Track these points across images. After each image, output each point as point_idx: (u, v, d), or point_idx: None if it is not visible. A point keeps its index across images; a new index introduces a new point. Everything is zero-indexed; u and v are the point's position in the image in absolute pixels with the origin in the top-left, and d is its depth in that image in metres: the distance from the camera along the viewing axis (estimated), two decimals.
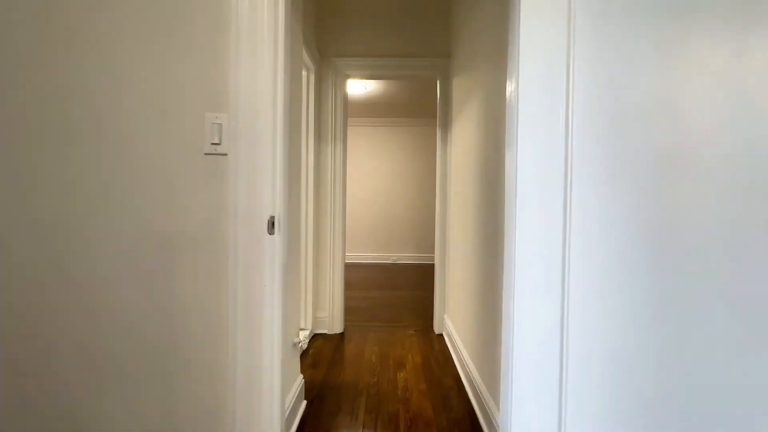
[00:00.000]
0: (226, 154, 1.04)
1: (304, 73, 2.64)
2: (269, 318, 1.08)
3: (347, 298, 3.62)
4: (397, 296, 3.87)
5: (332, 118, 2.74)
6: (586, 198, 0.85)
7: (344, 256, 2.83)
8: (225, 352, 1.07)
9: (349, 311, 3.23)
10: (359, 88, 4.58)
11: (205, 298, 1.06)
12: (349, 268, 5.50)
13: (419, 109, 5.56)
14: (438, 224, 2.79)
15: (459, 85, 2.43)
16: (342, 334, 2.74)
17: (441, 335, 2.71)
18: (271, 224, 1.07)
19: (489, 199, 1.59)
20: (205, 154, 1.05)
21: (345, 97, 2.80)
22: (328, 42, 2.75)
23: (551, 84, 0.88)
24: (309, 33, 2.43)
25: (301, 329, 2.64)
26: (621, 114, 0.81)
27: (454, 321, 2.44)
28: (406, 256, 6.21)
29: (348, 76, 2.82)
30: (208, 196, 1.05)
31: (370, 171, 6.22)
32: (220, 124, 1.03)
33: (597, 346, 0.84)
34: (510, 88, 0.95)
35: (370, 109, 5.58)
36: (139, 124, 1.04)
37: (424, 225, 6.20)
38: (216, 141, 1.04)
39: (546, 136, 0.88)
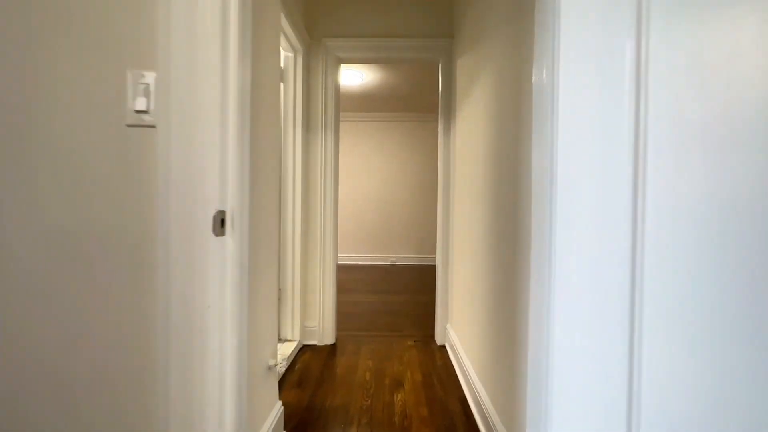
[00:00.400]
0: (154, 126, 0.77)
1: (290, 54, 2.37)
2: (217, 345, 0.80)
3: (341, 304, 3.34)
4: (395, 301, 3.60)
5: (323, 106, 2.47)
6: (667, 184, 0.57)
7: (336, 257, 2.56)
8: (153, 392, 0.79)
9: (342, 318, 2.96)
10: (355, 78, 4.31)
11: (126, 319, 0.79)
12: (345, 270, 5.22)
13: (419, 103, 5.29)
14: (440, 224, 2.52)
15: (464, 68, 2.16)
16: (334, 345, 2.46)
17: (443, 347, 2.44)
18: (221, 222, 0.80)
19: (502, 198, 1.32)
20: (128, 125, 0.77)
21: (337, 82, 2.53)
22: (318, 21, 2.48)
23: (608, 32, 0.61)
24: (296, 10, 2.16)
25: (287, 340, 2.36)
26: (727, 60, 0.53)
27: (458, 332, 2.16)
28: (405, 257, 5.93)
29: (340, 60, 2.54)
30: (131, 182, 0.78)
31: (367, 168, 5.95)
32: (147, 85, 0.76)
33: (688, 411, 0.56)
34: (541, 61, 0.68)
35: (367, 103, 5.31)
36: (37, 86, 0.77)
37: (425, 224, 5.93)
38: (142, 108, 0.76)
39: (602, 108, 0.61)
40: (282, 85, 2.36)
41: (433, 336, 2.60)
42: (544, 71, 0.67)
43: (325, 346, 2.44)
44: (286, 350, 2.23)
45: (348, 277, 4.76)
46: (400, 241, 5.93)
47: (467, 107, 2.03)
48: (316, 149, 2.48)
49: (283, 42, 2.20)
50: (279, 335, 2.38)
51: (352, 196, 5.94)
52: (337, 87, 2.52)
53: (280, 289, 2.38)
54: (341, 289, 4.05)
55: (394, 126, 5.93)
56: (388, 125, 5.93)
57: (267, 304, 1.35)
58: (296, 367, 2.13)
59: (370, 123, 5.92)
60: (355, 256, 5.94)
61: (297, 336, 2.39)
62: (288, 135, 2.37)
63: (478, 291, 1.67)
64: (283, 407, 1.47)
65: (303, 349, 2.38)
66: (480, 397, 1.55)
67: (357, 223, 5.93)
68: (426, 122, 5.90)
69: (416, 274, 5.07)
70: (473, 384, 1.68)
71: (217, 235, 0.79)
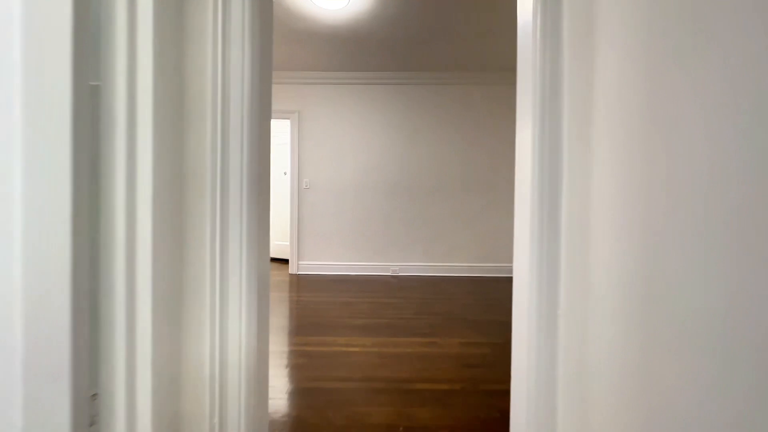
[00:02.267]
0: None
1: None
2: None
3: (302, 365, 1.74)
4: (409, 355, 2.07)
5: None
6: None
7: (266, 268, 1.03)
8: None
9: (301, 409, 1.41)
10: None
11: None
12: (322, 285, 3.67)
13: (435, 53, 3.75)
14: (536, 208, 1.00)
15: None
16: None
17: None
18: None
19: None
20: None
21: None
22: None
23: None
24: None
25: None
26: None
27: None
28: (412, 266, 4.42)
29: None
30: None
31: (360, 147, 4.44)
32: None
33: None
34: None
35: (359, 53, 3.78)
36: None
37: (438, 220, 4.42)
38: None
39: None
40: None
41: None
42: None
43: None
44: None
45: (325, 300, 3.23)
46: (406, 243, 4.42)
47: None
48: (204, 39, 0.95)
49: None
50: None
51: (339, 183, 4.43)
52: None
53: (96, 395, 0.86)
54: (308, 326, 2.52)
55: (397, 90, 4.41)
56: (388, 89, 4.41)
57: None
58: None
59: (364, 87, 4.40)
60: (343, 264, 4.42)
61: None
62: None
63: None
64: None
65: None
66: None
67: (345, 219, 4.42)
68: (440, 85, 4.39)
69: (430, 291, 3.56)
70: None
71: None
